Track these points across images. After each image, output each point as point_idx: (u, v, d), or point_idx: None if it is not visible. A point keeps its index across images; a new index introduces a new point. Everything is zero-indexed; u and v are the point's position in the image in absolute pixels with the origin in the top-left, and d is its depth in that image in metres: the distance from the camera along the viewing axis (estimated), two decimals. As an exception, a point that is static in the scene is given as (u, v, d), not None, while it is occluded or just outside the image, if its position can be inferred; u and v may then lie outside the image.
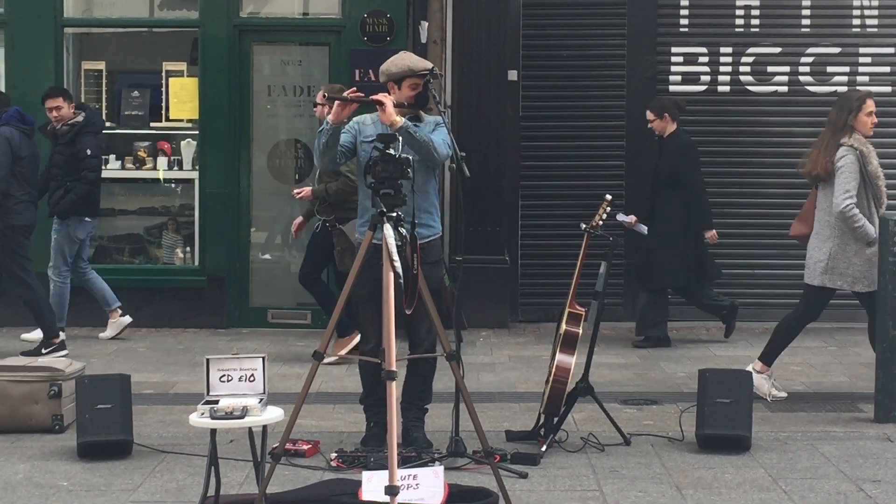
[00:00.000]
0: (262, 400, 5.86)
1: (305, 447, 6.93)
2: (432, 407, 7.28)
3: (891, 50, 11.93)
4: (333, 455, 6.80)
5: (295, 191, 10.08)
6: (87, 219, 10.46)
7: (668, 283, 10.58)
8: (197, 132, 11.64)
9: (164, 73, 11.79)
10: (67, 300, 10.44)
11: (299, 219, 10.12)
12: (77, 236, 10.43)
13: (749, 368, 8.15)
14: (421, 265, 5.97)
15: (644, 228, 10.60)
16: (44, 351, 9.56)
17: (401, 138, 6.13)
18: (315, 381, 6.23)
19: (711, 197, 11.81)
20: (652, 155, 11.48)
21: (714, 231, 10.49)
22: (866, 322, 8.36)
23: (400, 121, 6.64)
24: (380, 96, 6.66)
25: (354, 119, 7.05)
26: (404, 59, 7.03)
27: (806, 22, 11.97)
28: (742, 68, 11.94)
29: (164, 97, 11.75)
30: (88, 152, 10.32)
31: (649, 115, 10.49)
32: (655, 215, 10.52)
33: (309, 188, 9.79)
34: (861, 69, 11.91)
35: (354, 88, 6.79)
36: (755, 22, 11.97)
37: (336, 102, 6.60)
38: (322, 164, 6.98)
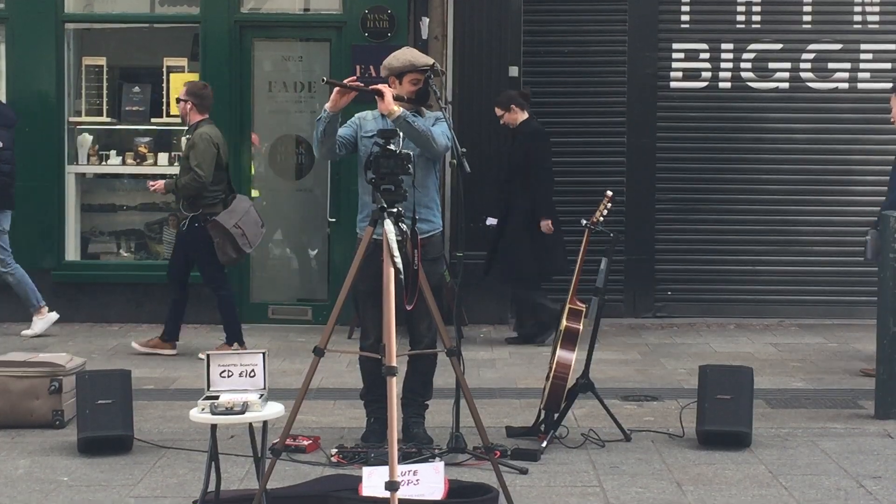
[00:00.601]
0: (262, 395, 5.86)
1: (306, 443, 6.94)
2: (433, 403, 7.29)
3: (892, 46, 11.92)
4: (334, 451, 6.80)
5: (150, 183, 10.15)
6: (6, 210, 10.55)
7: (511, 276, 10.49)
8: (198, 128, 11.63)
9: (164, 69, 11.78)
10: (30, 281, 10.59)
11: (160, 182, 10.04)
12: (4, 227, 10.50)
13: None
14: (421, 261, 5.96)
15: (493, 221, 10.63)
16: None
17: (401, 133, 6.13)
18: (315, 377, 6.22)
19: (713, 193, 11.88)
20: (651, 150, 11.55)
21: (549, 221, 10.30)
22: (867, 318, 8.34)
23: (398, 110, 6.63)
24: (379, 86, 6.67)
25: (357, 114, 7.05)
26: (406, 55, 7.04)
27: (807, 18, 11.96)
28: (743, 65, 11.94)
29: (164, 93, 11.75)
30: (1, 145, 10.36)
31: (497, 111, 10.47)
32: (506, 207, 10.49)
33: (162, 182, 9.95)
34: (862, 66, 11.91)
35: (354, 77, 6.77)
36: (756, 18, 11.96)
37: (335, 90, 6.57)
38: (320, 153, 6.95)
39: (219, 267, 9.68)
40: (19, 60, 11.55)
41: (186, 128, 9.80)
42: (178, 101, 9.76)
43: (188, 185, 9.42)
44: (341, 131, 6.85)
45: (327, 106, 6.64)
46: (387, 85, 6.79)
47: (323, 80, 7.18)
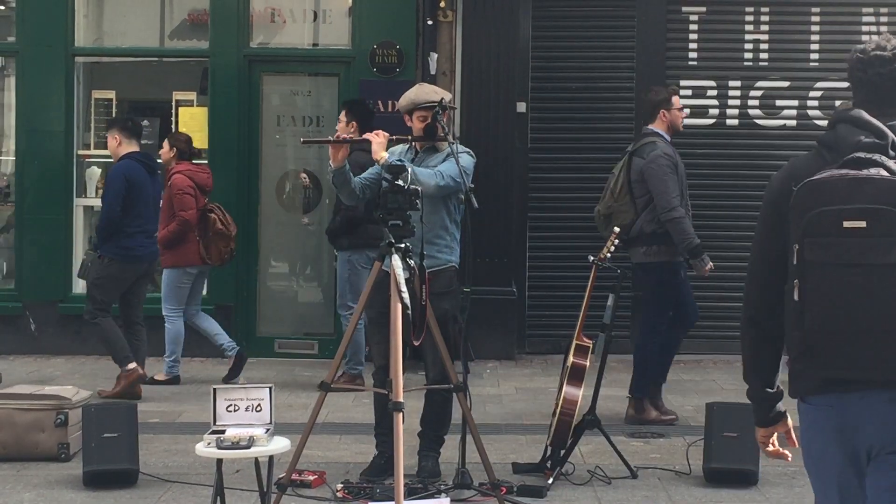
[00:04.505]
0: (268, 430, 5.85)
1: (311, 477, 6.92)
2: (438, 438, 7.27)
3: (899, 84, 11.92)
4: (339, 486, 6.78)
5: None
6: None
7: None
8: (206, 161, 11.67)
9: (173, 103, 11.83)
10: None
11: None
12: None
13: None
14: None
15: None
16: None
17: (409, 169, 6.17)
18: (322, 412, 6.23)
19: (720, 230, 11.86)
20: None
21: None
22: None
23: (384, 156, 6.74)
24: (367, 135, 6.82)
25: (389, 150, 7.16)
26: (410, 93, 7.14)
27: (814, 56, 12.00)
28: (750, 102, 11.96)
29: (173, 126, 11.78)
30: None
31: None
32: None
33: None
34: (870, 103, 11.91)
35: (338, 133, 6.91)
36: (764, 55, 12.00)
37: (329, 146, 6.78)
38: (345, 200, 7.15)
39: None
40: (29, 93, 11.60)
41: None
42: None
43: None
44: (367, 173, 6.98)
45: (330, 162, 6.77)
46: (380, 130, 6.89)
47: (301, 141, 7.40)
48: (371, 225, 9.53)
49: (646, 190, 8.52)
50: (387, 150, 6.84)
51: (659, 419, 8.56)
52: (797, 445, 3.81)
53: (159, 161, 10.25)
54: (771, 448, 3.93)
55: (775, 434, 3.92)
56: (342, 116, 9.76)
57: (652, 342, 8.61)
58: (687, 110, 11.80)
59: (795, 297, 3.55)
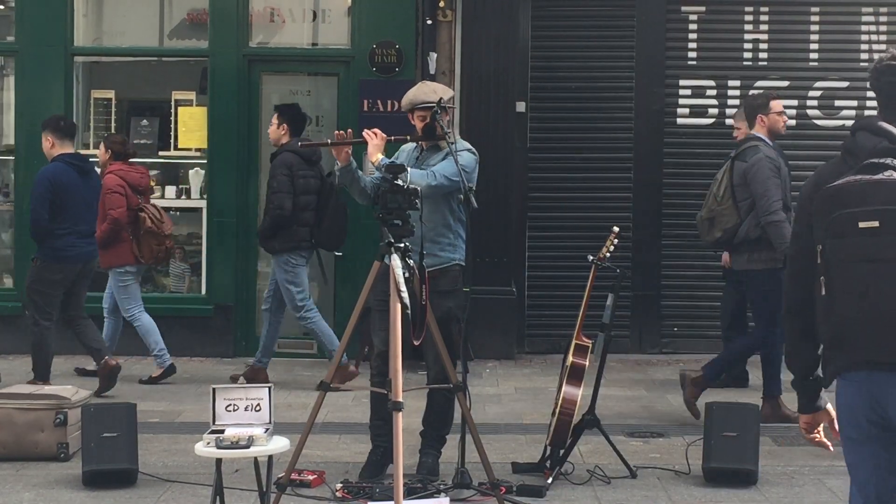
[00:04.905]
0: (267, 430, 5.85)
1: (311, 477, 6.92)
2: (438, 438, 7.27)
3: (899, 84, 11.92)
4: (338, 485, 6.79)
5: None
6: None
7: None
8: (205, 161, 11.67)
9: (173, 102, 11.83)
10: None
11: None
12: None
13: None
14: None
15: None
16: None
17: (409, 168, 6.18)
18: (321, 411, 6.22)
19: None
20: (658, 187, 11.54)
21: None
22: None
23: (378, 158, 6.77)
24: (365, 135, 6.85)
25: (401, 148, 7.18)
26: (411, 92, 7.18)
27: (814, 56, 11.99)
28: (750, 101, 11.94)
29: (173, 126, 11.79)
30: None
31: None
32: None
33: None
34: (869, 103, 11.91)
35: (341, 132, 6.89)
36: (763, 55, 12.00)
37: (331, 148, 6.82)
38: (357, 200, 7.16)
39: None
40: (29, 93, 11.60)
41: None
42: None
43: None
44: (377, 174, 6.94)
45: (336, 161, 6.81)
46: (377, 130, 6.91)
47: (300, 144, 7.38)
48: (299, 227, 9.76)
49: (748, 194, 8.50)
50: (384, 150, 6.86)
51: (794, 416, 8.40)
52: (839, 438, 4.04)
53: (95, 160, 10.30)
54: (815, 436, 4.19)
55: (821, 424, 4.17)
56: (274, 119, 10.01)
57: (772, 336, 8.46)
58: (686, 109, 11.89)
59: (823, 292, 3.88)
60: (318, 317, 10.07)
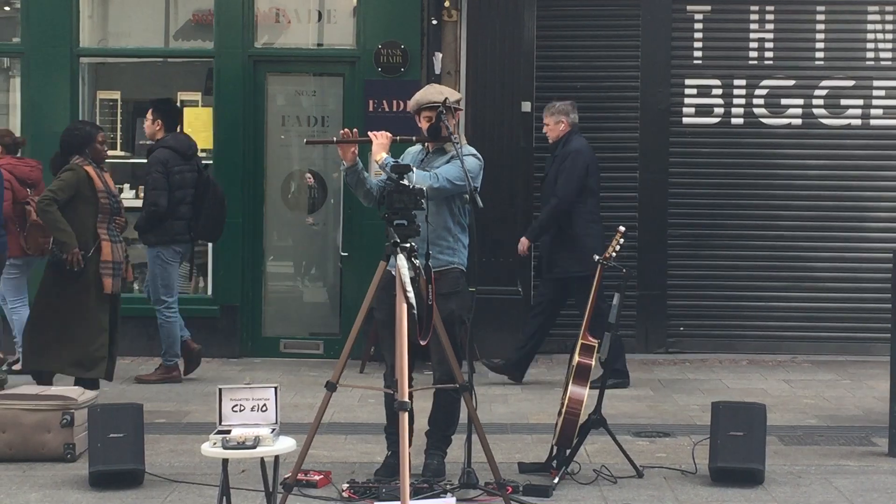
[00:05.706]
0: (274, 430, 5.85)
1: (317, 477, 6.92)
2: (444, 438, 7.27)
3: (905, 83, 11.94)
4: (345, 486, 6.78)
5: None
6: None
7: None
8: (211, 162, 11.67)
9: (178, 103, 11.84)
10: None
11: None
12: None
13: None
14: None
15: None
16: None
17: (414, 169, 6.18)
18: (327, 412, 6.22)
19: (725, 228, 11.88)
20: (664, 186, 11.53)
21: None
22: (881, 355, 8.30)
23: (381, 157, 6.77)
24: (370, 134, 6.85)
25: (406, 150, 7.17)
26: (418, 94, 7.17)
27: (820, 55, 11.97)
28: (756, 101, 11.94)
29: (178, 127, 11.78)
30: None
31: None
32: None
33: None
34: (875, 102, 11.91)
35: (347, 130, 6.89)
36: (769, 54, 11.98)
37: (338, 146, 6.81)
38: (362, 201, 7.14)
39: None
40: (34, 94, 11.61)
41: None
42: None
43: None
44: (383, 175, 6.93)
45: (343, 160, 6.81)
46: (383, 131, 6.89)
47: (305, 142, 7.37)
48: (175, 221, 10.02)
49: None
50: (389, 151, 6.85)
51: None
52: None
53: None
54: None
55: None
56: (148, 115, 10.26)
57: None
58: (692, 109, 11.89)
59: None
60: (176, 319, 10.28)
